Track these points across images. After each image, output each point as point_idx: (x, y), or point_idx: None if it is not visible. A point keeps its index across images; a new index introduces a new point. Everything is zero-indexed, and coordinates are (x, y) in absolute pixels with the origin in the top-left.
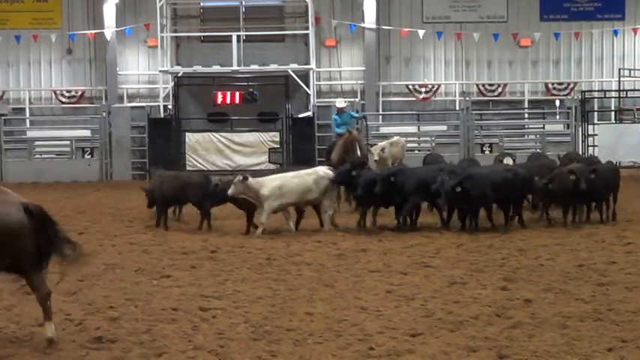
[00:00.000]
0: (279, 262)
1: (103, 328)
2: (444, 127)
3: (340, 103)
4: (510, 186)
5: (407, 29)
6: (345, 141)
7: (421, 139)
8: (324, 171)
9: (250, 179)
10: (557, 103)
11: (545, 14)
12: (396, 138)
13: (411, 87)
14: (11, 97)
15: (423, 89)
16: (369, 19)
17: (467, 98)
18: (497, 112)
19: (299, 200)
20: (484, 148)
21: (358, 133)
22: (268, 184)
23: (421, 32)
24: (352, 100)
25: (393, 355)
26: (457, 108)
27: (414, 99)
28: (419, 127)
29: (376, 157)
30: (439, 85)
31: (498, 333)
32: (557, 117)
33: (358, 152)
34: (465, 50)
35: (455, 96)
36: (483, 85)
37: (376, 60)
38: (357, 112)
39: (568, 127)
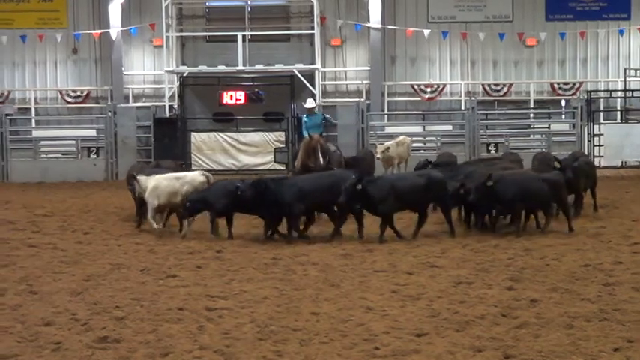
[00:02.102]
0: (284, 261)
1: (109, 328)
2: (450, 127)
3: (310, 103)
4: (422, 191)
5: (412, 29)
6: (306, 147)
7: (426, 138)
8: (192, 176)
9: (141, 178)
10: (563, 102)
11: (551, 14)
12: (401, 138)
13: (416, 87)
14: (17, 96)
15: (429, 89)
16: (375, 18)
17: (472, 98)
18: (502, 111)
19: (167, 202)
20: (490, 148)
21: (321, 136)
22: (149, 184)
23: (426, 32)
24: (357, 99)
25: (399, 355)
26: (462, 108)
27: (419, 99)
28: (424, 126)
29: (379, 156)
30: (444, 85)
31: (504, 333)
32: (563, 117)
33: (320, 159)
34: (470, 50)
35: (460, 96)
36: (489, 85)
37: (381, 60)
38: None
39: (574, 127)
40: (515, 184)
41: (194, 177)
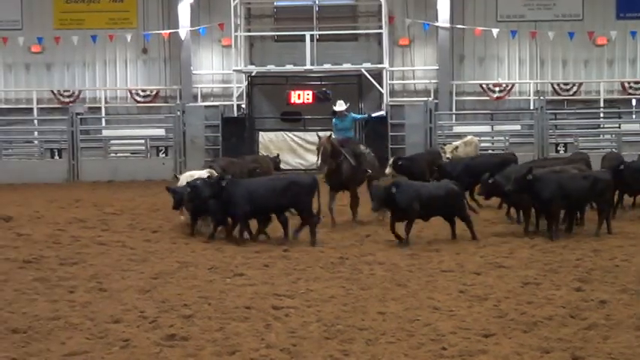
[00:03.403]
0: (351, 261)
1: (177, 326)
2: (518, 127)
3: (339, 106)
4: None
5: (481, 28)
6: (317, 148)
7: (495, 138)
8: (199, 174)
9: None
10: (634, 102)
11: (622, 12)
12: (469, 137)
13: (484, 86)
14: (87, 96)
15: (497, 88)
16: (443, 17)
17: (541, 97)
18: (572, 111)
19: None
20: (558, 148)
21: (350, 139)
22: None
23: (495, 31)
24: (425, 99)
25: (466, 356)
26: (531, 107)
27: (487, 98)
28: (492, 126)
29: (448, 156)
30: (513, 85)
31: (572, 334)
32: (634, 116)
33: (319, 160)
34: (539, 49)
35: (529, 95)
36: (558, 85)
37: (450, 59)
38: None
39: None
40: (553, 183)
41: (200, 175)
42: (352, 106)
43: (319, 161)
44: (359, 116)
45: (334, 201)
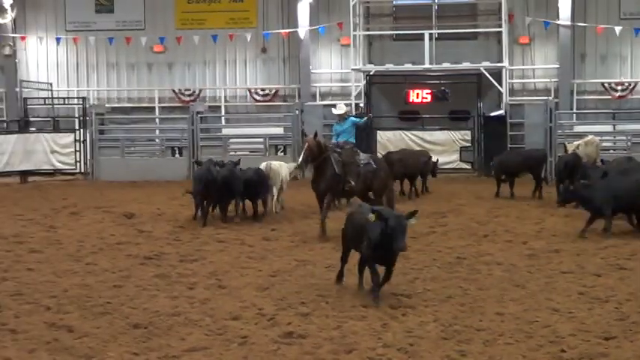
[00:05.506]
0: (469, 261)
1: (294, 324)
2: None
3: (339, 109)
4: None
5: (603, 26)
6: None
7: (616, 138)
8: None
9: None
10: None
11: None
12: (590, 137)
13: (606, 85)
14: (207, 95)
15: (620, 87)
16: (564, 15)
17: None
18: None
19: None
20: None
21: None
22: None
23: (618, 29)
24: (545, 98)
25: (586, 359)
26: None
27: (609, 97)
28: (614, 125)
29: None
30: (636, 83)
31: None
32: None
33: (300, 160)
34: None
35: None
36: None
37: (571, 57)
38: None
39: None
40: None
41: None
42: (470, 106)
43: (300, 160)
44: (358, 120)
45: (326, 211)
